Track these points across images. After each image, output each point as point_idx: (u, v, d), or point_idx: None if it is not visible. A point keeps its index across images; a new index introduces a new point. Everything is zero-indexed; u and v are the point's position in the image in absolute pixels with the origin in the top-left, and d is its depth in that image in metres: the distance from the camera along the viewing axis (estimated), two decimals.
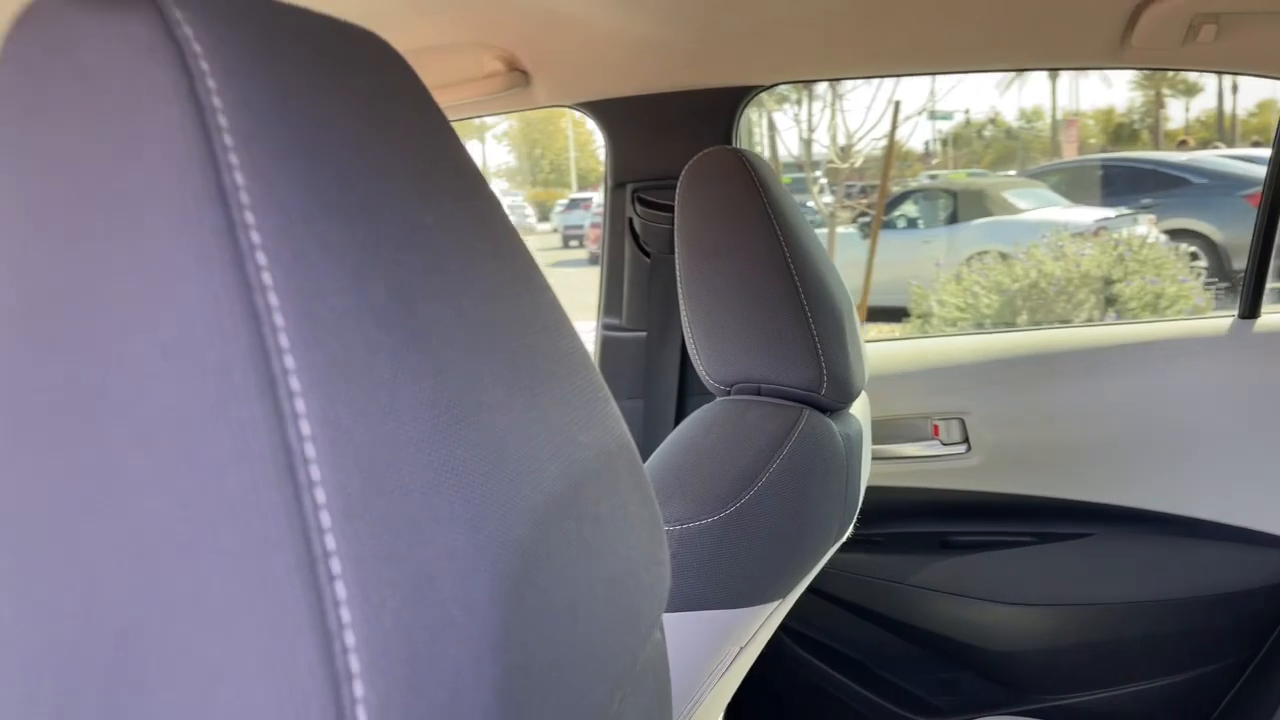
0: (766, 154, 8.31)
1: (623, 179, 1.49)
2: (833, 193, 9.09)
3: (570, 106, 1.46)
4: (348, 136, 0.32)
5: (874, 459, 1.57)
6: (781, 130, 7.88)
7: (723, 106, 1.43)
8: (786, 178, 11.14)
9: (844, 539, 1.14)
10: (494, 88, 1.35)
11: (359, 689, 0.26)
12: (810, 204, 9.01)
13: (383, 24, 1.17)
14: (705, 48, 1.30)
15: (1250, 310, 1.54)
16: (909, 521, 1.60)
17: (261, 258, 0.27)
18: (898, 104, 6.82)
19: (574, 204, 15.95)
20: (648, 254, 1.51)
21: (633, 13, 1.19)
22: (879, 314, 7.52)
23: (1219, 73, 1.36)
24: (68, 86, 0.28)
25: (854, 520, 1.14)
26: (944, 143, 24.99)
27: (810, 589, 1.61)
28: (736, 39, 1.27)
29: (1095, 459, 1.54)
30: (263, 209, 0.28)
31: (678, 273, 1.07)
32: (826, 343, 1.03)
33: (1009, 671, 1.56)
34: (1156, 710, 1.51)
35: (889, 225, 9.26)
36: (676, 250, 1.07)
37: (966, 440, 1.57)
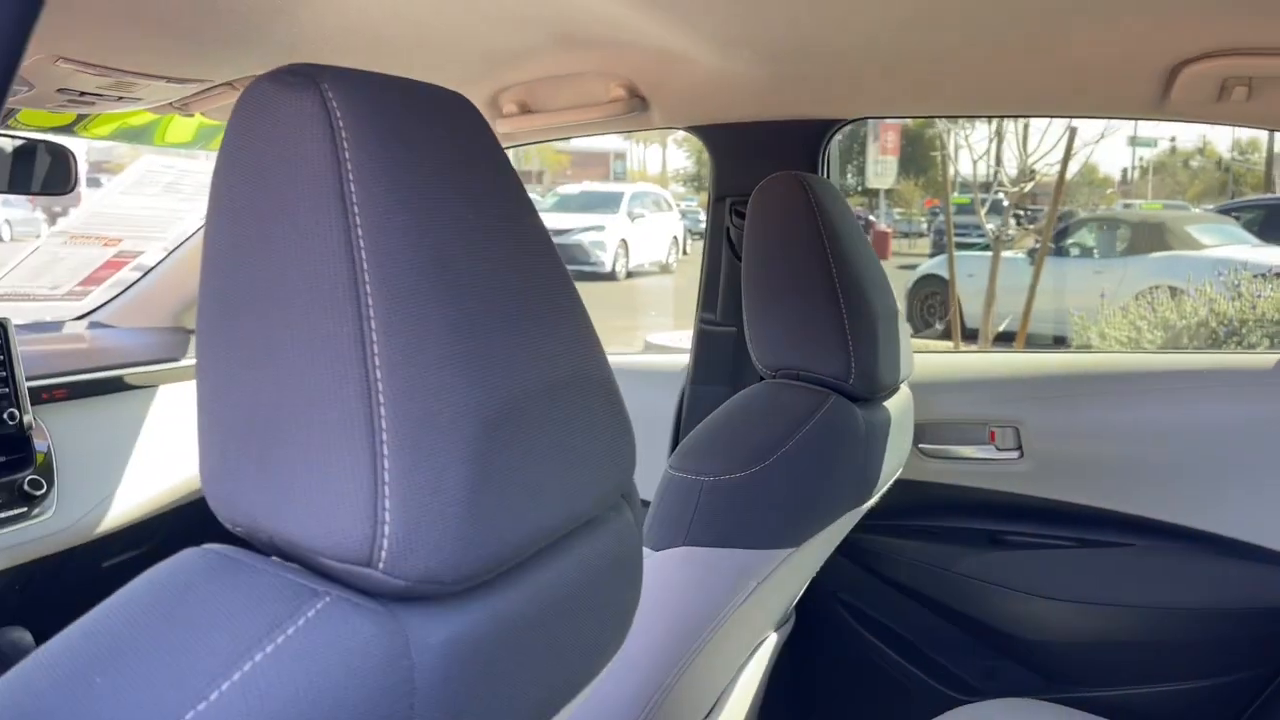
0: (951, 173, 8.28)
1: (723, 193, 1.73)
2: (999, 216, 8.96)
3: (681, 128, 1.70)
4: (427, 174, 0.57)
5: (934, 457, 1.75)
6: (972, 150, 7.79)
7: (810, 135, 1.65)
8: (964, 198, 11.00)
9: (866, 507, 1.34)
10: (617, 110, 1.60)
11: (386, 451, 0.51)
12: (981, 227, 8.89)
13: (528, 57, 1.45)
14: (792, 84, 1.51)
15: None
16: (964, 517, 1.76)
17: (362, 252, 0.52)
18: (1073, 130, 6.71)
19: None
20: (740, 259, 1.74)
21: (729, 51, 1.41)
22: (1037, 342, 7.41)
23: (1255, 128, 1.47)
24: (268, 136, 0.54)
25: (874, 493, 1.34)
26: (1144, 170, 23.80)
27: (869, 569, 1.80)
28: (818, 78, 1.48)
29: (1138, 475, 1.67)
30: (367, 222, 0.53)
31: (742, 274, 1.30)
32: (858, 341, 1.24)
33: (1044, 661, 1.70)
34: (1179, 712, 1.63)
35: (1062, 253, 9.05)
36: (743, 255, 1.31)
37: (1020, 448, 1.72)
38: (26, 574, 1.50)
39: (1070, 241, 9.36)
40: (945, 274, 7.81)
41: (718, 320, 1.79)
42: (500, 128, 1.65)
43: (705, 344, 1.81)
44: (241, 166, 0.55)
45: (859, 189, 23.49)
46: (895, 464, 1.42)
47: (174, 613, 0.50)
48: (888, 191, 21.03)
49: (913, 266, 11.02)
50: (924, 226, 20.10)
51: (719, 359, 1.78)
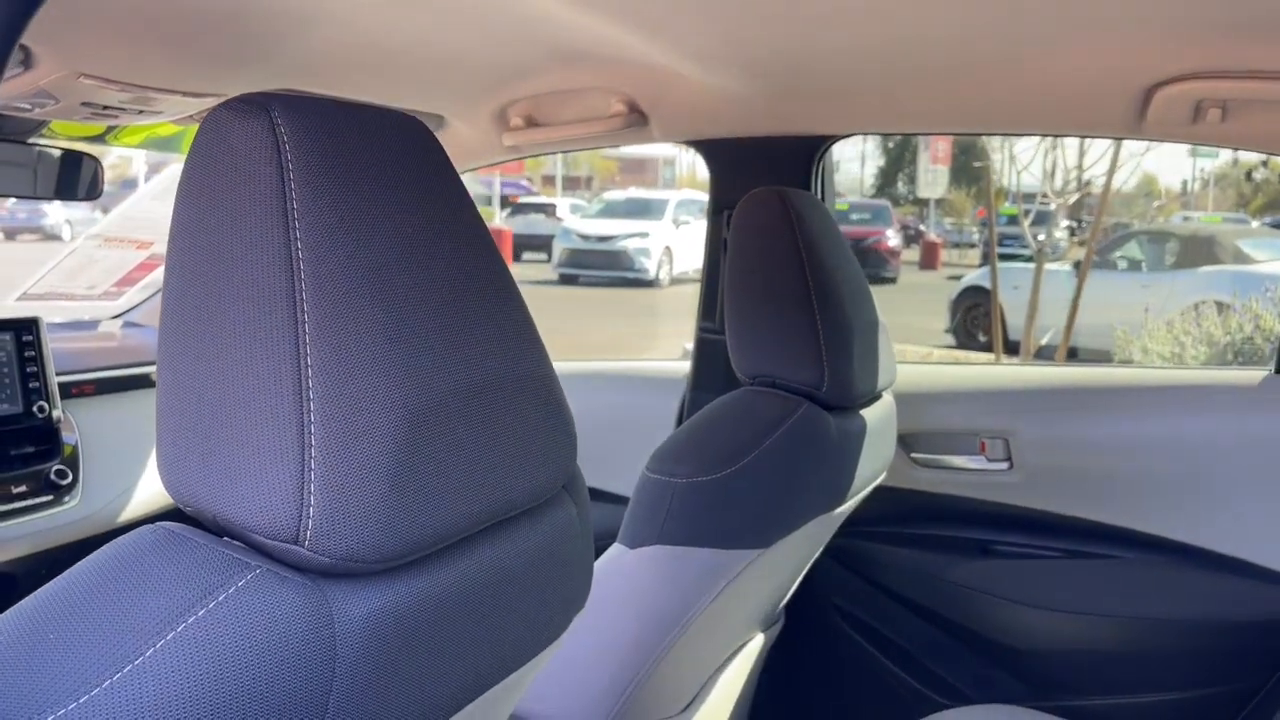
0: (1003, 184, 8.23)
1: (721, 205, 1.78)
2: (1052, 227, 8.88)
3: (680, 143, 1.76)
4: (369, 191, 0.63)
5: (926, 466, 1.78)
6: (1017, 161, 7.73)
7: (803, 150, 1.70)
8: (1013, 209, 10.89)
9: (836, 511, 1.38)
10: (618, 125, 1.66)
11: (314, 443, 0.57)
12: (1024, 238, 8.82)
13: (533, 73, 1.51)
14: (782, 101, 1.56)
15: None
16: (955, 526, 1.79)
17: (301, 264, 0.58)
18: (1119, 141, 6.64)
19: None
20: None
21: (722, 69, 1.46)
22: (1080, 356, 7.33)
23: (1231, 149, 1.49)
24: (221, 159, 0.61)
25: (847, 499, 1.38)
26: (1204, 183, 23.33)
27: (862, 575, 1.84)
28: (807, 96, 1.53)
29: (1126, 488, 1.69)
30: (307, 237, 0.59)
31: (725, 285, 1.36)
32: (832, 351, 1.28)
33: (1032, 669, 1.73)
34: None
35: (1109, 266, 8.94)
36: (727, 267, 1.36)
37: (1009, 459, 1.75)
38: (51, 559, 1.59)
39: (1118, 254, 9.24)
40: (989, 285, 7.77)
41: (716, 329, 1.84)
42: (507, 140, 1.72)
43: (704, 352, 1.87)
44: (199, 184, 0.62)
45: (910, 198, 23.35)
46: (873, 471, 1.46)
47: (120, 579, 0.57)
48: (938, 201, 20.89)
49: (961, 278, 10.94)
50: (974, 237, 19.93)
51: (717, 366, 1.83)
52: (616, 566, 1.26)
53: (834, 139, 1.72)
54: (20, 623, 0.55)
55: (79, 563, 0.59)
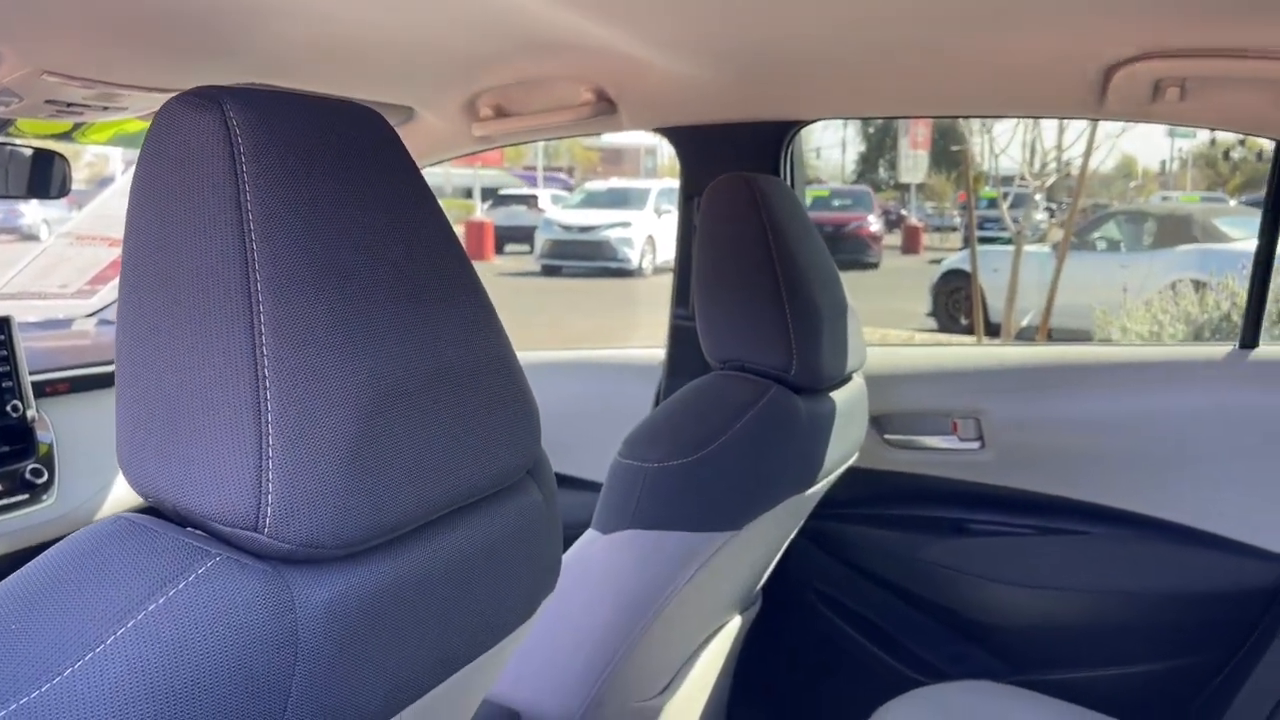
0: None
1: (691, 192, 1.79)
2: (1030, 209, 8.91)
3: (650, 130, 1.76)
4: (322, 182, 0.64)
5: (899, 447, 1.80)
6: (995, 144, 7.76)
7: (770, 136, 1.71)
8: (992, 192, 10.94)
9: (808, 492, 1.39)
10: (587, 114, 1.67)
11: (271, 431, 0.58)
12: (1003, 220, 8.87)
13: (501, 63, 1.52)
14: (748, 87, 1.57)
15: (1250, 340, 1.67)
16: (929, 505, 1.81)
17: (254, 255, 0.59)
18: (1095, 122, 6.67)
19: None
20: None
21: (687, 56, 1.47)
22: (1061, 337, 7.38)
23: (1191, 127, 1.51)
24: (173, 153, 0.61)
25: (818, 480, 1.40)
26: (1184, 162, 23.45)
27: (838, 556, 1.85)
28: (772, 81, 1.54)
29: (1095, 464, 1.71)
30: (260, 229, 0.59)
31: (693, 271, 1.37)
32: (800, 335, 1.30)
33: (1007, 645, 1.75)
34: (1136, 693, 1.67)
35: (1088, 247, 8.99)
36: (695, 253, 1.37)
37: (981, 438, 1.77)
38: (28, 559, 1.59)
39: (1097, 235, 9.30)
40: (969, 269, 7.80)
41: (689, 315, 1.85)
42: (477, 131, 1.72)
43: (678, 339, 1.88)
44: (152, 177, 0.62)
45: (891, 183, 23.37)
46: (844, 453, 1.47)
47: (81, 569, 0.58)
48: (920, 186, 20.92)
49: (941, 261, 10.98)
50: (956, 221, 19.99)
51: (691, 352, 1.83)
52: (590, 552, 1.27)
53: (802, 124, 1.73)
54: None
55: (40, 555, 0.60)
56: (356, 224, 0.65)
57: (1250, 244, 1.61)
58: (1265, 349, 1.67)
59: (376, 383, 0.63)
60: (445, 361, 0.69)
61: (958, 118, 6.99)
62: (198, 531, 0.60)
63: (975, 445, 1.77)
